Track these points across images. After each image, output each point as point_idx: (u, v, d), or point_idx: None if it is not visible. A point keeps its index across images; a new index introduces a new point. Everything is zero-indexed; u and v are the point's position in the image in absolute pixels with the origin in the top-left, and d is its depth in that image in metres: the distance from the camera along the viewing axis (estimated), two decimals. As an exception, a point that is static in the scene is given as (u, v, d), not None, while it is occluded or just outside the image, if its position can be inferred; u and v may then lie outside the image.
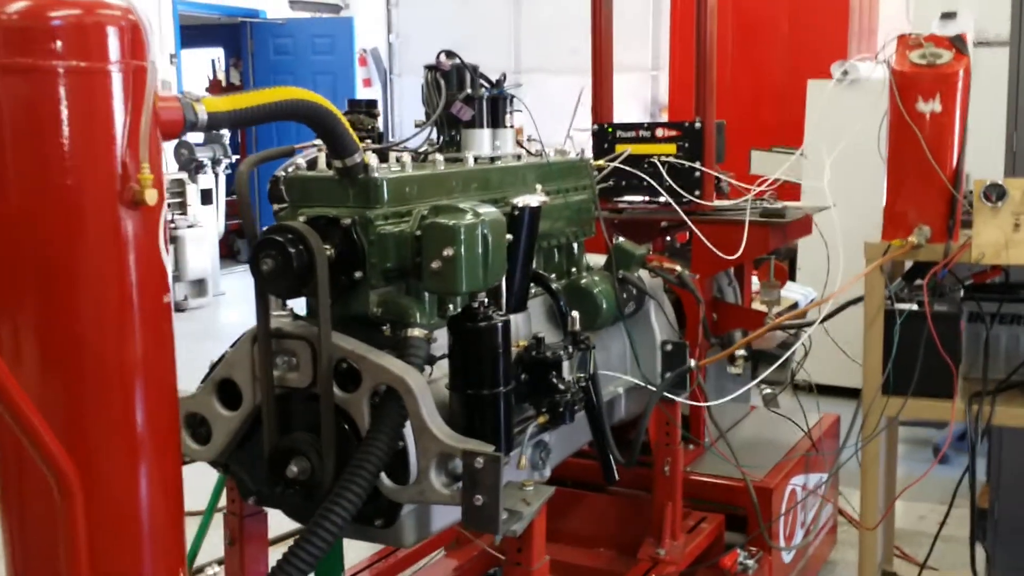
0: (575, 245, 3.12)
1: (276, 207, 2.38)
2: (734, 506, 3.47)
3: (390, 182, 2.27)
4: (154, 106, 1.74)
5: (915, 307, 2.96)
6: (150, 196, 1.66)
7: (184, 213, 8.95)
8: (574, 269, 3.08)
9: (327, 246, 2.19)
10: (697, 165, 3.58)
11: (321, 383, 2.14)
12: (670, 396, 2.99)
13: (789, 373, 4.45)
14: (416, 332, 2.19)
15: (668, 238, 3.94)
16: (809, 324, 3.31)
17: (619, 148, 3.70)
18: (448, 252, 2.15)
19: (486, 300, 2.27)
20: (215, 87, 10.10)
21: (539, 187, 2.67)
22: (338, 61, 10.64)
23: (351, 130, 2.21)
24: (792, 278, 6.75)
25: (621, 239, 3.03)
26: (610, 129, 3.72)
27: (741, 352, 3.19)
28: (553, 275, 2.99)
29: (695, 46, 3.60)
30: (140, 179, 1.66)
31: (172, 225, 8.81)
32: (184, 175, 8.87)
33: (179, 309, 8.90)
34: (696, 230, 3.38)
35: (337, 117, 2.15)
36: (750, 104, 8.24)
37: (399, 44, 12.62)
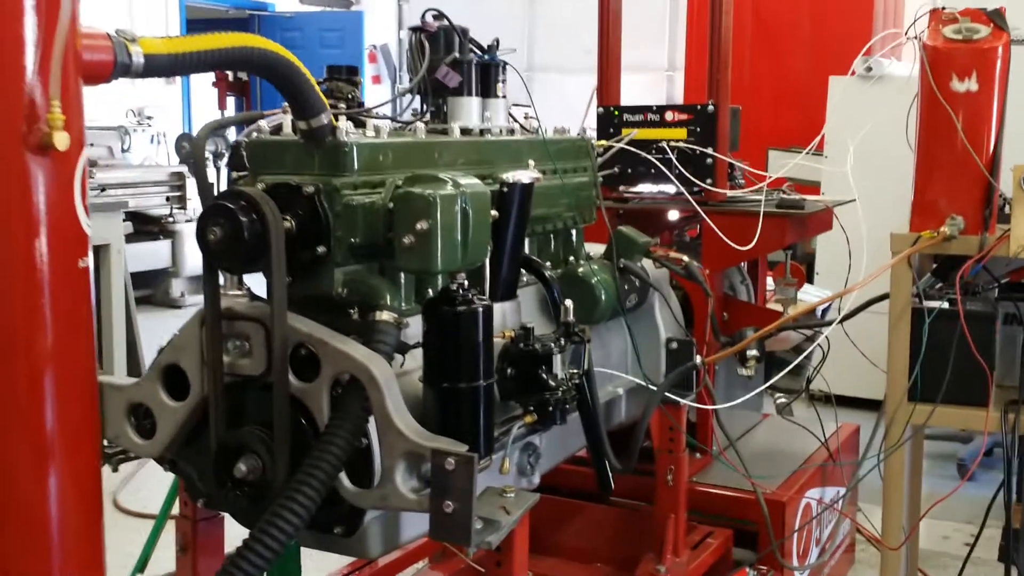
0: (573, 232, 2.86)
1: (235, 175, 2.14)
2: (744, 520, 3.20)
3: (361, 147, 2.03)
4: (77, 41, 1.51)
5: (945, 305, 2.69)
6: (60, 140, 1.42)
7: (183, 207, 8.73)
8: (572, 257, 2.83)
9: (286, 217, 1.95)
10: (709, 151, 3.32)
11: (275, 370, 1.88)
12: (673, 398, 2.73)
13: (804, 380, 4.20)
14: (385, 316, 1.94)
15: (677, 231, 3.68)
16: (827, 324, 3.04)
17: (625, 133, 3.45)
18: (422, 225, 1.90)
19: (466, 283, 2.02)
20: (221, 82, 9.91)
21: (532, 163, 2.42)
22: (347, 56, 10.42)
23: (317, 88, 1.96)
24: (810, 281, 6.50)
25: (625, 227, 2.77)
26: (616, 112, 3.47)
27: (753, 352, 2.93)
28: (548, 263, 2.74)
29: (709, 22, 3.34)
30: (50, 119, 1.42)
31: (171, 219, 8.61)
32: (184, 168, 8.66)
33: (176, 306, 8.69)
34: (707, 219, 3.11)
35: (300, 71, 1.91)
36: (770, 105, 8.00)
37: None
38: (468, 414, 2.01)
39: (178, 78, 9.53)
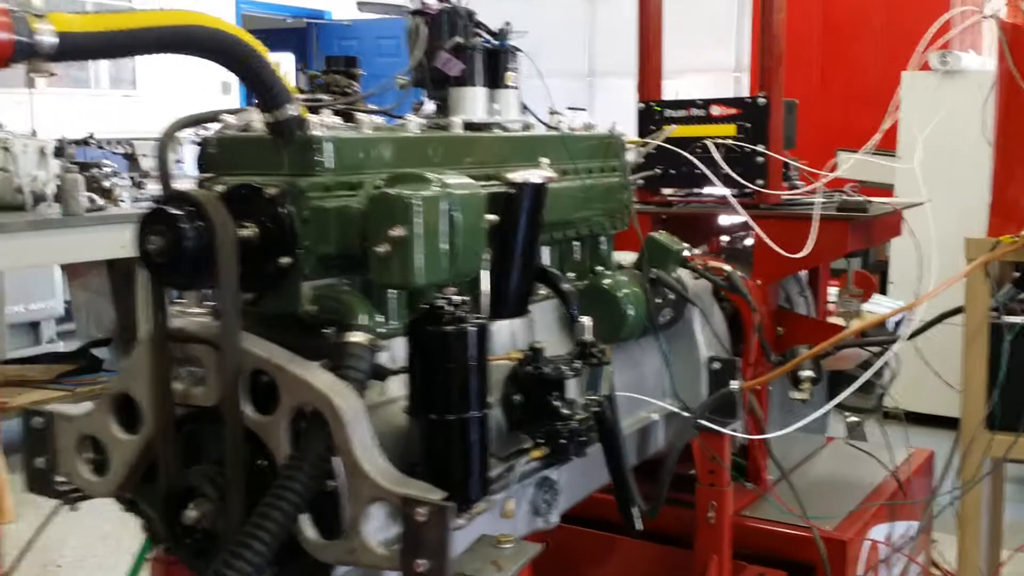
0: (602, 239, 2.56)
1: (200, 177, 1.89)
2: (800, 561, 2.86)
3: (336, 143, 1.76)
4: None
5: (1030, 321, 2.34)
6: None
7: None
8: (600, 268, 2.53)
9: (247, 223, 1.69)
10: (760, 149, 2.99)
11: (225, 401, 1.62)
12: (711, 427, 2.42)
13: (875, 399, 3.83)
14: (357, 338, 1.66)
15: (728, 238, 3.35)
16: (891, 341, 2.69)
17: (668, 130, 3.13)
18: (398, 232, 1.63)
19: (457, 298, 1.74)
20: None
21: (546, 161, 2.13)
22: (405, 64, 10.18)
23: (281, 76, 1.70)
24: (883, 292, 6.09)
25: (658, 233, 2.47)
26: (657, 108, 3.16)
27: (807, 373, 2.59)
28: (571, 274, 2.45)
29: (760, 5, 3.02)
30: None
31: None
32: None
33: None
34: (753, 224, 2.79)
35: (259, 55, 1.66)
36: (841, 106, 7.61)
37: (470, 48, 12.18)
38: (458, 450, 1.74)
39: (234, 84, 9.41)
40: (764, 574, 2.82)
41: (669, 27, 3.35)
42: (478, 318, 1.75)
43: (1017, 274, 2.60)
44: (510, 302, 2.11)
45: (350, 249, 1.73)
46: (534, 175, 2.06)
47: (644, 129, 3.16)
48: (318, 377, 1.59)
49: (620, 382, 2.45)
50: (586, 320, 2.06)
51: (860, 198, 3.02)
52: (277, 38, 11.65)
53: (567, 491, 2.33)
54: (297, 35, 11.42)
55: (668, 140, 3.12)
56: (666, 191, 3.27)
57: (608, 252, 2.60)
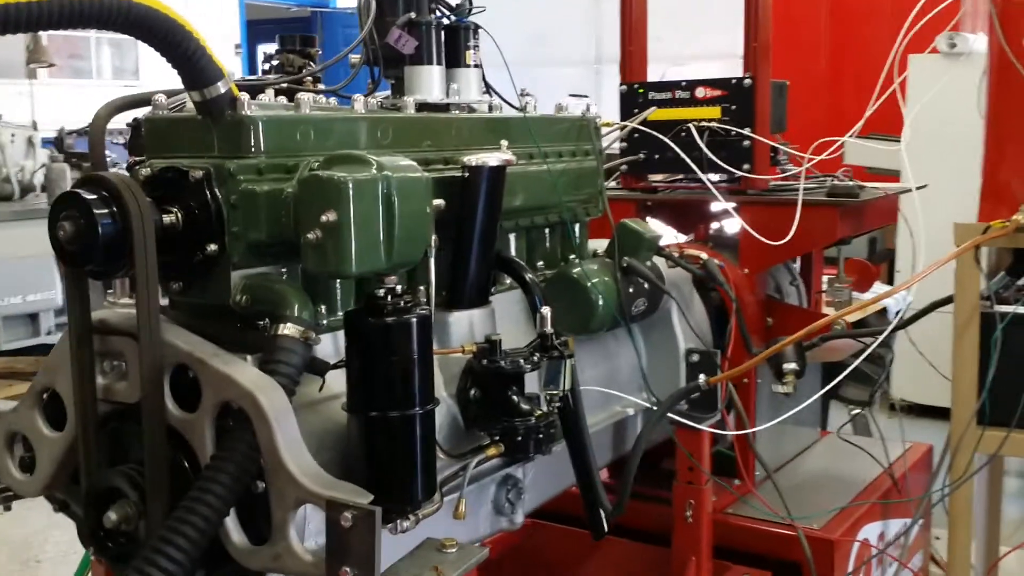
0: (576, 227, 2.45)
1: (131, 160, 1.79)
2: (787, 560, 2.75)
3: (268, 124, 1.66)
4: None
5: (1021, 310, 2.22)
6: None
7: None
8: (573, 256, 2.42)
9: (171, 208, 1.59)
10: (746, 132, 2.87)
11: (145, 397, 1.53)
12: (684, 422, 2.31)
13: (871, 392, 3.72)
14: (287, 330, 1.56)
15: (718, 224, 3.23)
16: (876, 332, 2.57)
17: (651, 114, 3.02)
18: (329, 217, 1.52)
19: (398, 287, 1.64)
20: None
21: (505, 143, 2.02)
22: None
23: (211, 52, 1.60)
24: (891, 281, 5.94)
25: (630, 220, 2.35)
26: (640, 89, 3.04)
27: (791, 365, 2.48)
28: (541, 263, 2.34)
29: (743, -18, 2.91)
30: None
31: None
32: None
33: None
34: (731, 209, 2.68)
35: (184, 30, 1.55)
36: (851, 94, 7.45)
37: (476, 36, 12.03)
38: (401, 450, 1.64)
39: (238, 75, 9.32)
40: (748, 574, 2.71)
41: (677, 13, 3.24)
42: (421, 309, 1.65)
43: (1010, 263, 2.48)
44: (468, 291, 2.01)
45: (285, 236, 1.62)
46: (491, 158, 1.95)
47: (627, 112, 3.05)
48: (242, 372, 1.50)
49: (592, 376, 2.34)
50: (546, 311, 1.95)
51: (851, 183, 2.89)
52: (281, 27, 11.58)
53: (534, 489, 2.22)
54: (302, 24, 11.33)
55: (652, 124, 3.01)
56: (653, 177, 3.16)
57: (582, 240, 2.49)
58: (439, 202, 1.74)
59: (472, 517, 2.06)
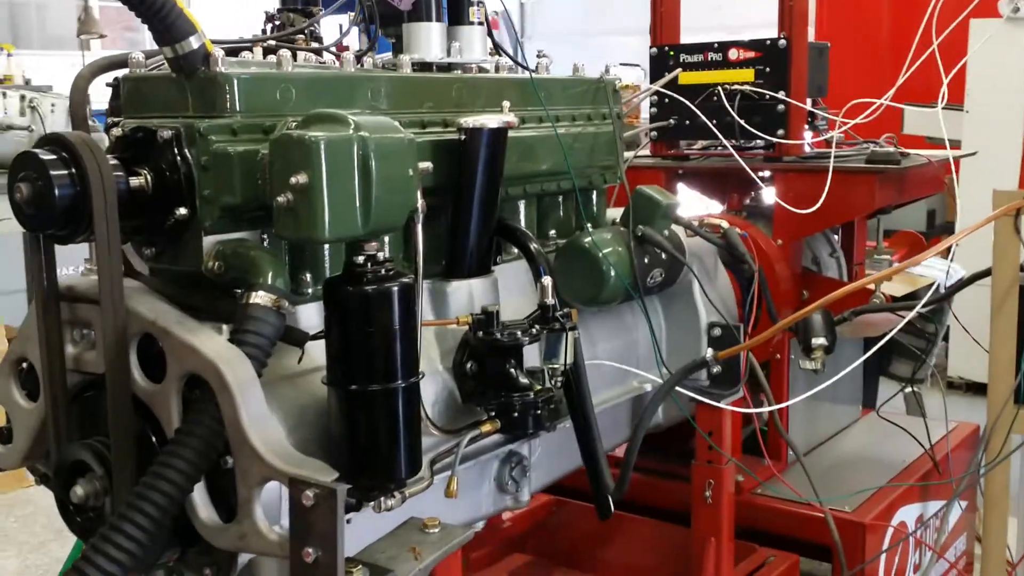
0: (592, 194, 2.35)
1: (110, 121, 1.73)
2: (817, 543, 2.63)
3: (244, 81, 1.58)
4: None
5: (1065, 283, 2.07)
6: None
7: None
8: (589, 226, 2.32)
9: (141, 170, 1.52)
10: (780, 96, 2.73)
11: (109, 367, 1.46)
12: (703, 399, 2.20)
13: (917, 367, 3.56)
14: (258, 299, 1.48)
15: (754, 193, 3.10)
16: (906, 307, 2.43)
17: (683, 77, 2.89)
18: (298, 179, 1.44)
19: (380, 254, 1.56)
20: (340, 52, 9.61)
21: (506, 104, 1.92)
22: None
23: (182, 6, 1.53)
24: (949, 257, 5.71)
25: (647, 187, 2.24)
26: (671, 52, 2.91)
27: (819, 340, 2.34)
28: (553, 232, 2.24)
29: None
30: None
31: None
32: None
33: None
34: (754, 176, 2.54)
35: (151, -18, 1.47)
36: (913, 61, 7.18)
37: (531, 6, 11.86)
38: (383, 425, 1.56)
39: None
40: (774, 557, 2.60)
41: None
42: (404, 277, 1.56)
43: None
44: (467, 260, 1.92)
45: (262, 200, 1.55)
46: (491, 120, 1.86)
47: (658, 76, 2.92)
48: (206, 342, 1.43)
49: (607, 349, 2.24)
50: (547, 280, 1.85)
51: (891, 149, 2.74)
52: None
53: (543, 467, 2.14)
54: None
55: (683, 88, 2.89)
56: (685, 144, 3.03)
57: (600, 208, 2.38)
58: (426, 165, 1.64)
59: (473, 495, 1.99)
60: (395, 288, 1.54)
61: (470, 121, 1.83)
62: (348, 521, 1.62)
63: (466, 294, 1.91)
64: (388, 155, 1.51)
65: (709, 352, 1.99)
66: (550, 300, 1.85)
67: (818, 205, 2.47)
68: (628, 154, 2.96)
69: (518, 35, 10.56)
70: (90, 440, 1.52)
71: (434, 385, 1.83)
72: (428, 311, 1.91)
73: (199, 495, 1.46)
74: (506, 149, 1.90)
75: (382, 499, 1.59)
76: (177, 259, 1.56)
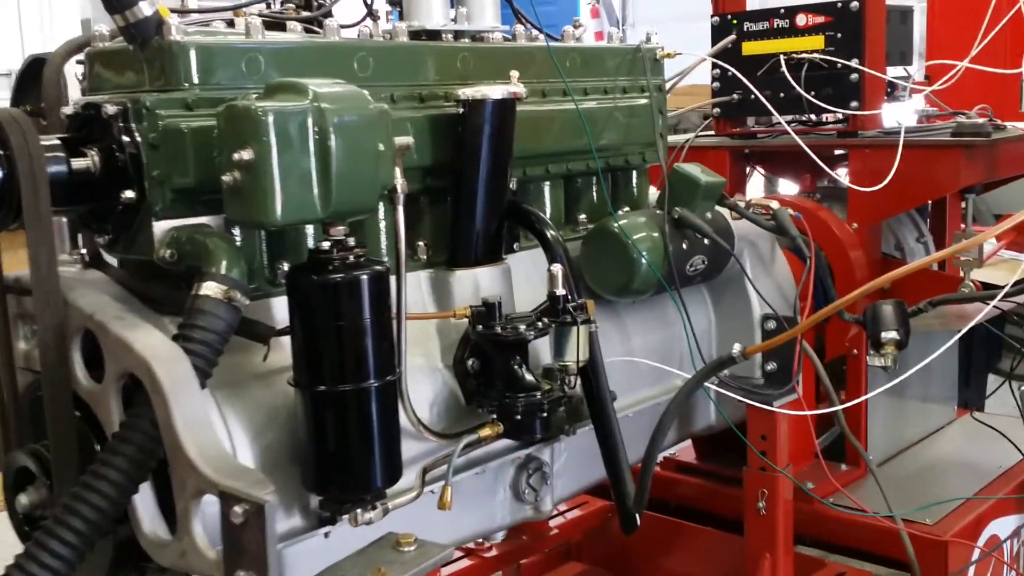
0: (630, 174, 2.15)
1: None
2: (895, 558, 2.37)
3: (202, 51, 1.44)
4: None
5: None
6: None
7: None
8: (627, 210, 2.12)
9: (90, 149, 1.40)
10: (853, 64, 2.47)
11: (44, 367, 1.34)
12: (749, 401, 1.97)
13: (1017, 362, 3.25)
14: (207, 290, 1.34)
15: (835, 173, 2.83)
16: (982, 297, 2.16)
17: (747, 47, 2.66)
18: (243, 155, 1.29)
19: (350, 239, 1.40)
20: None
21: (515, 74, 1.73)
22: (562, 12, 9.72)
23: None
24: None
25: (685, 164, 2.02)
26: (734, 21, 2.67)
27: (890, 335, 2.09)
28: (583, 216, 2.05)
29: None
30: None
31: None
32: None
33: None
34: (811, 154, 2.30)
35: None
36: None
37: (633, -9, 11.59)
38: (355, 430, 1.41)
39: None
40: (845, 574, 2.35)
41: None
42: (377, 264, 1.40)
43: None
44: (473, 247, 1.75)
45: (216, 181, 1.40)
46: (494, 90, 1.68)
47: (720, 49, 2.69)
48: (141, 338, 1.29)
49: (642, 344, 2.05)
50: (556, 268, 1.67)
51: (981, 121, 2.45)
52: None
53: (569, 474, 1.95)
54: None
55: (748, 59, 2.65)
56: (752, 121, 2.79)
57: (641, 190, 2.18)
58: (405, 140, 1.47)
59: (485, 503, 1.82)
60: (364, 276, 1.38)
61: (469, 92, 1.66)
62: (327, 535, 1.49)
63: (471, 284, 1.74)
64: (351, 128, 1.35)
65: (736, 347, 1.77)
66: (560, 290, 1.66)
67: (885, 182, 2.21)
68: (682, 137, 2.75)
69: (620, 22, 10.26)
70: (36, 445, 1.40)
71: (433, 384, 1.67)
72: (430, 303, 1.76)
73: (144, 507, 1.33)
74: (514, 124, 1.71)
75: (358, 512, 1.43)
76: (131, 246, 1.43)
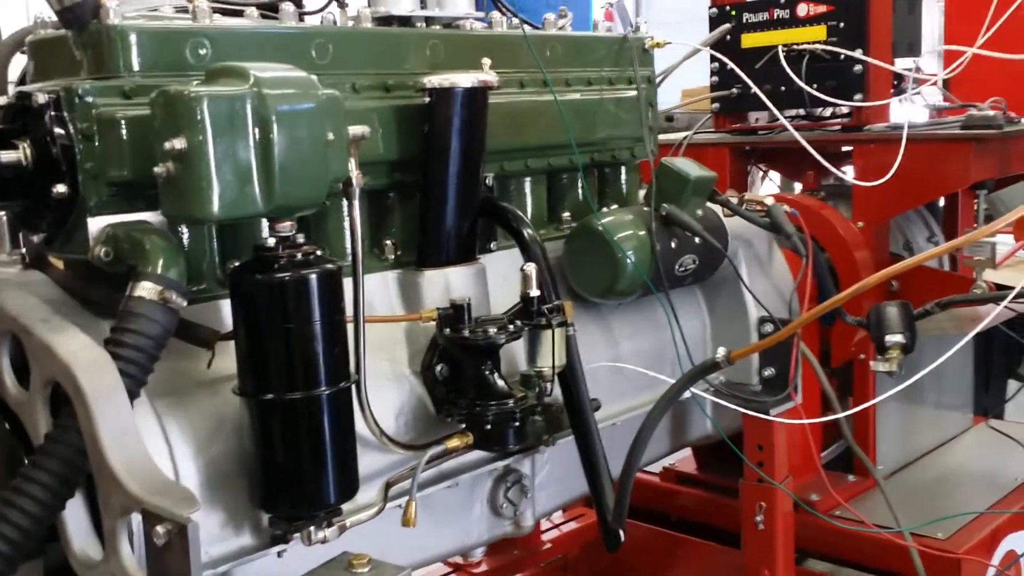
0: (618, 170, 2.04)
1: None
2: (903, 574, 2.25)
3: (143, 35, 1.35)
4: None
5: None
6: None
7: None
8: (613, 207, 2.01)
9: (20, 142, 1.31)
10: (857, 55, 2.36)
11: (-33, 373, 1.25)
12: (741, 409, 1.86)
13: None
14: (141, 291, 1.24)
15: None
16: (981, 300, 2.04)
17: (746, 39, 2.55)
18: (175, 145, 1.19)
19: (298, 236, 1.30)
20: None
21: (487, 62, 1.63)
22: (575, 18, 9.62)
23: (67, -52, 1.30)
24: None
25: (673, 159, 1.91)
26: (732, 11, 2.56)
27: (895, 338, 1.97)
28: (567, 214, 1.95)
29: None
30: None
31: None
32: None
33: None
34: (808, 147, 2.18)
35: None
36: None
37: (647, -8, 11.51)
38: (306, 441, 1.30)
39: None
40: (851, 591, 2.23)
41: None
42: (327, 263, 1.30)
43: None
44: (443, 246, 1.65)
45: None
46: (463, 79, 1.58)
47: (718, 41, 2.58)
48: (65, 343, 1.19)
49: (631, 349, 1.93)
50: (529, 267, 1.56)
51: (992, 113, 2.33)
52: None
53: (552, 487, 1.85)
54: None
55: (748, 51, 2.54)
56: (754, 116, 2.68)
57: (630, 186, 2.07)
58: (360, 130, 1.37)
59: (460, 519, 1.71)
60: (312, 275, 1.28)
61: (436, 80, 1.56)
62: (280, 555, 1.39)
63: (442, 285, 1.63)
64: (296, 116, 1.25)
65: (721, 351, 1.66)
66: (534, 291, 1.56)
67: (889, 175, 2.09)
68: (679, 134, 2.65)
69: (633, 26, 10.20)
70: (-36, 458, 1.31)
71: (399, 392, 1.56)
72: (399, 305, 1.65)
73: (75, 524, 1.23)
74: (486, 115, 1.61)
75: (311, 530, 1.33)
76: (65, 245, 1.34)
